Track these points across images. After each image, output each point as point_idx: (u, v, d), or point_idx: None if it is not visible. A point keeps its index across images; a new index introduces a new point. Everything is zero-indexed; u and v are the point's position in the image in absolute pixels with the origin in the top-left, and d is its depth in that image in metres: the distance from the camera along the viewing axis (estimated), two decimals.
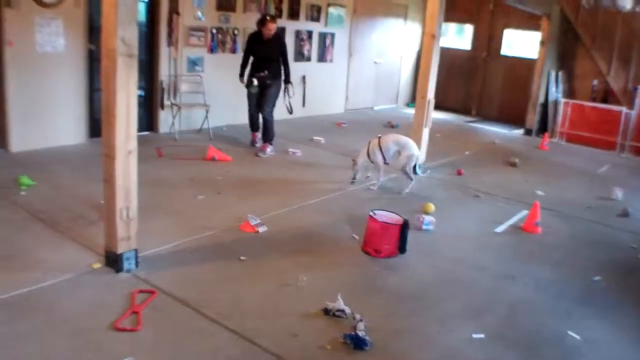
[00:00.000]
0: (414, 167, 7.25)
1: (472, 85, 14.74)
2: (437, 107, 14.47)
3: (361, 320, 3.95)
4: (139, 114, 8.47)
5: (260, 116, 8.57)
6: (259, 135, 8.76)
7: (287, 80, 8.58)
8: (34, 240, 4.91)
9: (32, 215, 5.41)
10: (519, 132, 12.83)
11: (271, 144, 8.53)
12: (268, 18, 8.27)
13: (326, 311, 4.10)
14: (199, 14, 9.04)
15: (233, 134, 9.36)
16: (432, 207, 6.51)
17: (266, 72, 8.35)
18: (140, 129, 8.59)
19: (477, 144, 10.90)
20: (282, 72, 8.52)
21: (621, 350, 4.15)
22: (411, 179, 7.21)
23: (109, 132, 4.20)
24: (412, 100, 13.79)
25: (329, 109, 12.16)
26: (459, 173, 8.33)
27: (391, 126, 11.30)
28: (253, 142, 8.81)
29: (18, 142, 7.30)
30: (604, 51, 12.32)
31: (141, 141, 8.15)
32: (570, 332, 4.23)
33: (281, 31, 10.28)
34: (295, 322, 3.97)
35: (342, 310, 4.07)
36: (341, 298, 4.13)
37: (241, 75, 8.46)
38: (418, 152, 7.32)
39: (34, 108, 7.35)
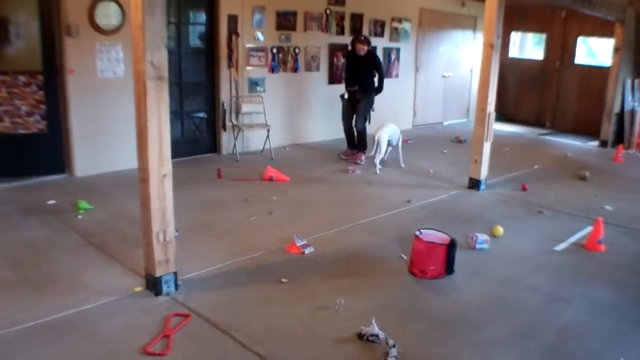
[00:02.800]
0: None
1: (545, 96, 14.27)
2: (510, 120, 14.38)
3: (394, 346, 3.81)
4: (201, 136, 8.90)
5: (355, 130, 9.26)
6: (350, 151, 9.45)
7: (379, 90, 9.37)
8: (83, 263, 5.02)
9: (85, 238, 5.56)
10: (594, 144, 12.28)
11: (364, 153, 9.16)
12: (357, 40, 9.06)
13: (360, 336, 3.99)
14: (259, 34, 9.13)
15: (295, 155, 9.38)
16: (501, 230, 6.23)
17: (356, 87, 9.05)
18: (204, 150, 8.98)
19: (548, 158, 10.50)
20: (375, 85, 9.29)
21: None
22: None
23: (142, 156, 4.24)
24: None
25: (396, 125, 11.99)
26: (524, 188, 8.03)
27: (459, 141, 11.08)
28: (347, 155, 9.42)
29: (82, 167, 7.56)
30: None
31: (203, 162, 8.57)
32: (622, 359, 3.95)
33: (344, 47, 10.31)
34: (326, 348, 3.88)
35: (376, 335, 3.95)
36: (375, 322, 4.01)
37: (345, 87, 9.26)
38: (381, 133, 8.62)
39: (97, 133, 7.60)
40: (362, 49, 8.94)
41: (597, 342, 4.19)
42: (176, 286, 4.56)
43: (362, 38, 9.11)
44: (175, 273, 4.54)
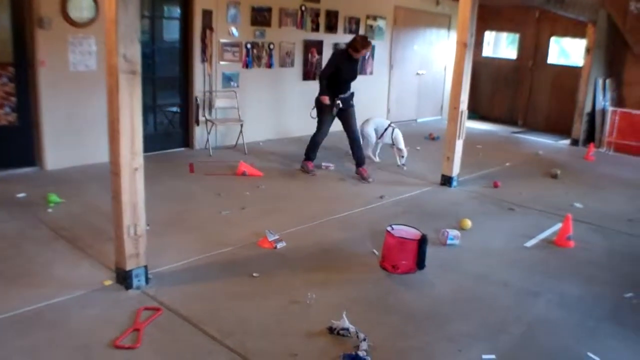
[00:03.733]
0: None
1: (518, 95, 14.44)
2: (483, 118, 14.51)
3: (365, 340, 3.84)
4: (174, 130, 8.84)
5: (350, 138, 8.18)
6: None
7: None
8: (53, 256, 4.97)
9: (55, 232, 5.49)
10: (565, 142, 12.45)
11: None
12: (364, 41, 7.86)
13: (331, 330, 4.00)
14: (233, 30, 9.10)
15: (269, 149, 9.36)
16: (468, 223, 6.33)
17: (349, 92, 8.09)
18: (176, 145, 8.93)
19: (520, 155, 10.62)
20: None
21: None
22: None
23: (114, 150, 4.21)
24: None
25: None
26: (495, 185, 8.11)
27: (432, 138, 11.18)
28: (308, 170, 8.21)
29: (53, 160, 7.47)
30: None
31: (176, 157, 8.52)
32: (590, 354, 4.01)
33: (319, 44, 10.33)
34: (297, 342, 3.88)
35: (347, 329, 3.96)
36: (346, 316, 4.03)
37: (325, 94, 7.83)
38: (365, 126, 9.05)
39: (68, 126, 7.51)
40: (366, 53, 8.13)
41: (566, 336, 4.25)
42: (147, 280, 4.53)
43: (368, 40, 7.99)
44: (146, 267, 4.51)
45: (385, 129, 9.16)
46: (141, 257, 4.46)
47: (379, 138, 9.15)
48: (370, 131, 9.01)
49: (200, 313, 4.14)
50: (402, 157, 8.93)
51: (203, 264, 5.01)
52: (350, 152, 8.28)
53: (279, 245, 5.43)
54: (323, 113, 8.00)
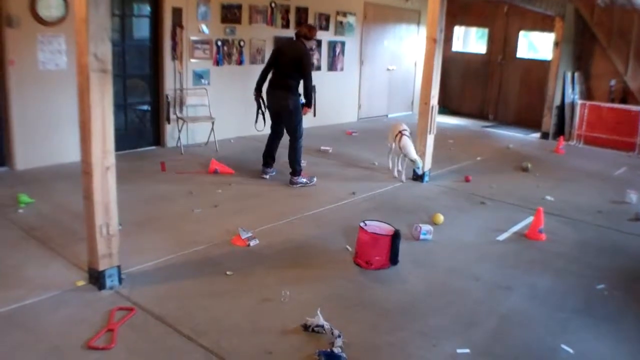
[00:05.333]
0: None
1: (488, 90, 14.59)
2: (454, 112, 14.62)
3: (339, 336, 3.84)
4: (145, 129, 8.76)
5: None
6: None
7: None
8: (24, 257, 4.90)
9: (26, 232, 5.42)
10: (536, 135, 12.62)
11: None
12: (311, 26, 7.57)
13: (305, 327, 4.00)
14: (203, 27, 9.05)
15: (240, 147, 9.32)
16: (441, 217, 6.38)
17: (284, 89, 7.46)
18: (148, 143, 8.86)
19: (491, 149, 10.72)
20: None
21: None
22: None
23: (85, 149, 4.17)
24: None
25: (341, 118, 12.11)
26: (467, 180, 8.18)
27: None
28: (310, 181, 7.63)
29: (23, 160, 7.37)
30: (621, 50, 12.10)
31: (147, 156, 8.44)
32: (563, 346, 4.07)
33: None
34: (272, 339, 3.88)
35: (321, 326, 3.97)
36: (320, 313, 4.03)
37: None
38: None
39: (38, 126, 7.42)
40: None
41: (539, 328, 4.31)
42: (120, 280, 4.49)
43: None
44: (118, 267, 4.47)
45: (396, 136, 7.92)
46: (114, 257, 4.42)
47: (393, 148, 8.04)
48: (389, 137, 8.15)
49: (174, 312, 4.12)
50: (418, 167, 7.85)
51: (176, 263, 4.98)
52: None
53: (252, 243, 5.42)
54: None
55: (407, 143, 7.73)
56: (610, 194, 8.13)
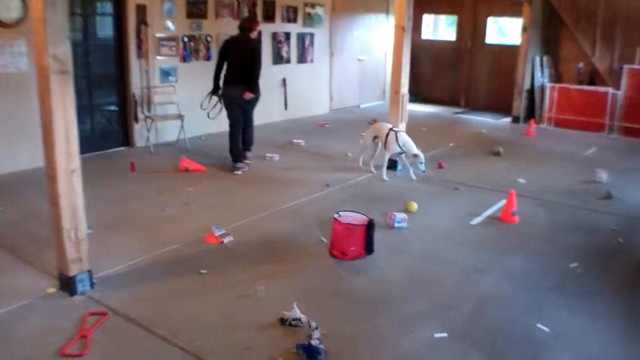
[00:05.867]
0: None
1: (459, 76, 14.62)
2: (426, 100, 14.61)
3: (317, 329, 3.82)
4: (113, 129, 8.64)
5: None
6: None
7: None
8: None
9: None
10: (507, 120, 12.70)
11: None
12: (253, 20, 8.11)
13: (282, 321, 3.97)
14: (169, 23, 8.93)
15: (211, 144, 9.21)
16: (414, 205, 6.37)
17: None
18: (116, 144, 8.73)
19: (463, 135, 10.75)
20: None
21: (592, 341, 4.00)
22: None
23: (49, 153, 4.08)
24: None
25: (313, 110, 12.04)
26: (440, 166, 8.20)
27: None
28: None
29: None
30: (588, 33, 12.19)
31: (116, 156, 8.34)
32: (539, 325, 4.10)
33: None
34: (249, 335, 3.84)
35: (298, 319, 3.95)
36: (297, 306, 4.01)
37: None
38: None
39: (2, 131, 7.25)
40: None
41: (514, 309, 4.34)
42: (91, 284, 4.41)
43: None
44: (89, 271, 4.40)
45: (387, 136, 7.57)
46: (84, 262, 4.34)
47: (385, 148, 7.63)
48: (368, 138, 7.86)
49: (148, 314, 4.06)
50: (421, 163, 7.37)
51: (149, 264, 4.91)
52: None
53: (226, 240, 5.36)
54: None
55: (407, 139, 7.53)
56: (581, 174, 8.19)
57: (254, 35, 7.74)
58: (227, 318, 4.07)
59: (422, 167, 7.38)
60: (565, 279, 4.90)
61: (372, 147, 7.84)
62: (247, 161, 7.93)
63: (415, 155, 7.40)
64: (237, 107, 7.66)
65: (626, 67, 11.40)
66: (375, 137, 7.73)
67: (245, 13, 10.06)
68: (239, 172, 7.66)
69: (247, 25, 7.76)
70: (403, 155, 7.69)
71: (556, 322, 4.17)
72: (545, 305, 4.41)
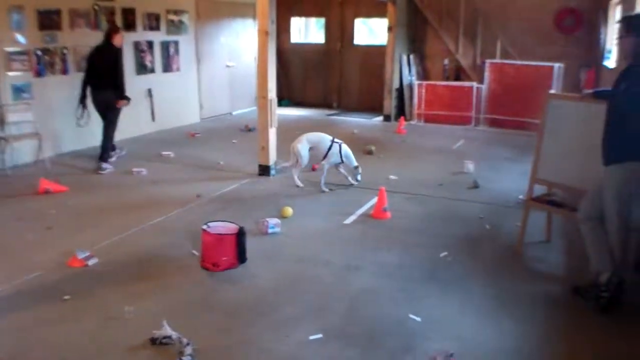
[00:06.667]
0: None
1: (330, 79, 14.79)
2: (299, 104, 14.66)
3: (189, 344, 3.67)
4: None
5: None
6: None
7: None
8: None
9: None
10: (379, 119, 12.98)
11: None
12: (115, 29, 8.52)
13: (153, 340, 3.78)
14: (19, 36, 8.39)
15: (74, 161, 8.72)
16: (289, 210, 6.30)
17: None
18: None
19: (336, 136, 10.71)
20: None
21: (462, 325, 4.10)
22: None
23: None
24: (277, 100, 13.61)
25: (183, 120, 11.73)
26: (313, 169, 8.20)
27: (248, 129, 11.07)
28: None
29: None
30: (451, 31, 12.72)
31: None
32: (411, 316, 4.17)
33: None
34: (119, 358, 3.63)
35: (169, 337, 3.78)
36: (167, 324, 3.84)
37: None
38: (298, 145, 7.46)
39: None
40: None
41: (388, 303, 4.39)
42: None
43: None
44: None
45: (330, 147, 7.50)
46: None
47: (324, 159, 7.50)
48: (304, 151, 7.43)
49: (9, 348, 3.75)
50: (359, 173, 7.52)
51: (8, 294, 4.53)
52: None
53: (91, 262, 5.05)
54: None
55: (349, 151, 7.57)
56: (450, 166, 8.47)
57: (116, 42, 8.24)
58: (95, 343, 3.83)
59: (359, 177, 7.51)
60: (435, 268, 5.02)
61: (294, 158, 7.52)
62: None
63: (356, 167, 7.49)
64: (103, 110, 8.27)
65: (488, 61, 11.96)
66: (311, 149, 7.48)
67: (104, 22, 9.64)
68: (104, 172, 8.03)
69: (108, 32, 8.31)
70: (341, 165, 7.59)
71: (428, 310, 4.27)
72: (417, 296, 4.50)
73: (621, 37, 4.36)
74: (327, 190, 7.37)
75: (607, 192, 4.25)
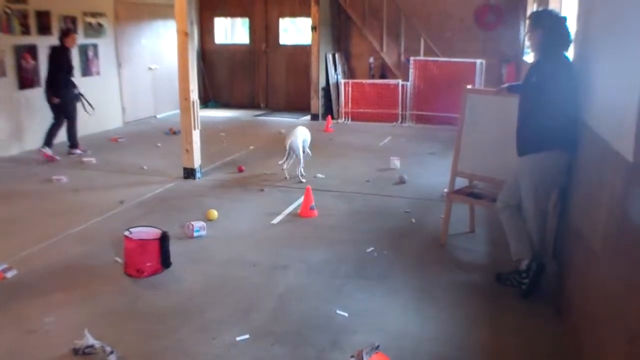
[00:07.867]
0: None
1: (256, 79, 14.74)
2: (225, 105, 14.55)
3: (112, 352, 3.59)
4: None
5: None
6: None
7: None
8: None
9: None
10: (306, 118, 13.03)
11: None
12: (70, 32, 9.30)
13: (75, 351, 3.67)
14: None
15: None
16: (214, 213, 6.23)
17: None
18: None
19: (263, 137, 10.82)
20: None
21: (388, 318, 4.16)
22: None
23: None
24: (203, 102, 13.45)
25: (104, 124, 11.36)
26: (240, 170, 8.17)
27: (173, 133, 10.87)
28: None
29: None
30: (375, 29, 12.89)
31: None
32: (338, 311, 4.20)
33: (32, 48, 9.54)
34: None
35: (92, 346, 3.67)
36: (89, 333, 3.73)
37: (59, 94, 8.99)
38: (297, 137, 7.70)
39: None
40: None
41: (315, 299, 4.41)
42: None
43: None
44: None
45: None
46: None
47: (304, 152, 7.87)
48: (300, 145, 7.68)
49: None
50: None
51: None
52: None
53: (9, 274, 4.85)
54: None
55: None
56: (377, 163, 8.57)
57: (69, 44, 9.07)
58: (14, 357, 3.68)
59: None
60: (362, 263, 5.07)
61: (292, 154, 7.71)
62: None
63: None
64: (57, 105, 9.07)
65: (412, 59, 12.15)
66: (303, 141, 7.80)
67: (17, 26, 9.31)
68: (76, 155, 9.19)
69: (60, 35, 9.20)
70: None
71: (355, 304, 4.31)
72: (344, 291, 4.54)
73: (529, 32, 4.50)
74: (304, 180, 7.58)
75: (522, 181, 4.39)
